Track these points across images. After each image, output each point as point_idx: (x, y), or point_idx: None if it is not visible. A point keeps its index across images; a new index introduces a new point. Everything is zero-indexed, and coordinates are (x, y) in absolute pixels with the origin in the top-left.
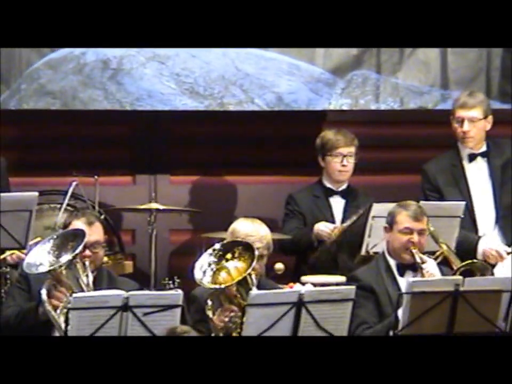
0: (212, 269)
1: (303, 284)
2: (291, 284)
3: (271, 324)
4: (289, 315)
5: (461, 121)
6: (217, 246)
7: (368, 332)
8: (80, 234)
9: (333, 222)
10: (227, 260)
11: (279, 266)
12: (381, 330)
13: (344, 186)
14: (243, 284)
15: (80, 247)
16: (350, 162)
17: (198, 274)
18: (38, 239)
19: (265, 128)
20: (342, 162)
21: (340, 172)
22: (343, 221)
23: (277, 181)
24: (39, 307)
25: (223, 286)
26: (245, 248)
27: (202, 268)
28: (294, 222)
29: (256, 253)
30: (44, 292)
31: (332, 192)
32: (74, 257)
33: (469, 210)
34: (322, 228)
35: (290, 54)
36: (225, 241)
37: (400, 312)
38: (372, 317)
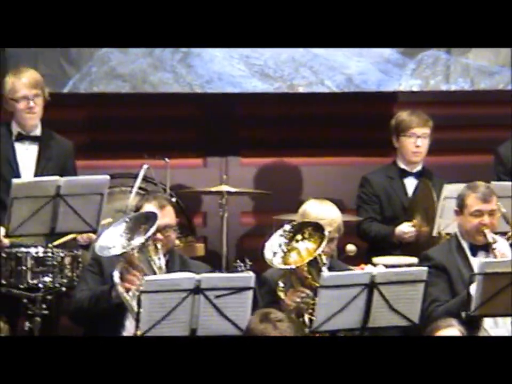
0: (282, 250)
1: (375, 265)
2: (362, 266)
3: (343, 305)
4: (361, 297)
5: None
6: (287, 227)
7: (440, 309)
8: (152, 217)
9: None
10: (297, 241)
11: (351, 247)
12: (452, 307)
13: (418, 168)
14: (314, 264)
15: (152, 230)
16: (424, 143)
17: (268, 255)
18: (109, 220)
19: (335, 110)
20: (416, 143)
21: (414, 152)
22: (413, 199)
23: (347, 162)
24: (112, 290)
25: (293, 266)
26: (315, 229)
27: (273, 249)
28: (369, 207)
29: (326, 233)
30: (116, 275)
31: (406, 173)
32: (146, 240)
33: None
34: (405, 230)
35: None
36: (295, 222)
37: (472, 291)
38: (444, 295)
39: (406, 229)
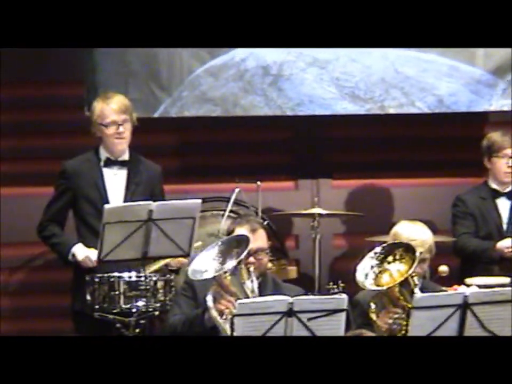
0: (374, 272)
1: (468, 285)
2: (455, 286)
3: (437, 326)
4: (454, 317)
5: None
6: (378, 249)
7: None
8: (244, 240)
9: (500, 224)
10: (389, 263)
11: (443, 268)
12: None
13: (510, 188)
14: (405, 286)
15: (245, 253)
16: None
17: (360, 277)
18: (200, 243)
19: (427, 131)
20: (508, 163)
21: (506, 173)
22: (509, 223)
23: (438, 183)
24: (205, 314)
25: (384, 288)
26: (406, 250)
27: (365, 271)
28: (466, 224)
29: (417, 254)
30: (209, 299)
31: (498, 194)
32: (238, 264)
33: None
34: (508, 244)
35: (449, 56)
36: (385, 244)
37: None
38: None
39: (508, 243)
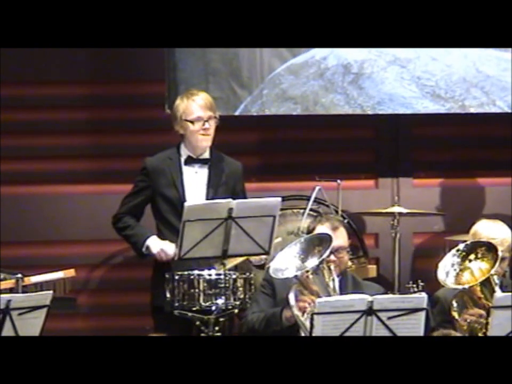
0: (455, 270)
1: None
2: None
3: None
4: None
5: None
6: (460, 246)
7: None
8: (326, 239)
9: None
10: (470, 261)
11: None
12: None
13: None
14: (487, 284)
15: (327, 252)
16: None
17: (441, 275)
18: (279, 239)
19: (507, 130)
20: None
21: None
22: None
23: None
24: (282, 314)
25: (466, 286)
26: (488, 249)
27: (446, 268)
28: None
29: (500, 253)
30: (292, 297)
31: None
32: (321, 262)
33: None
34: None
35: None
36: (468, 242)
37: None
38: None
39: None
